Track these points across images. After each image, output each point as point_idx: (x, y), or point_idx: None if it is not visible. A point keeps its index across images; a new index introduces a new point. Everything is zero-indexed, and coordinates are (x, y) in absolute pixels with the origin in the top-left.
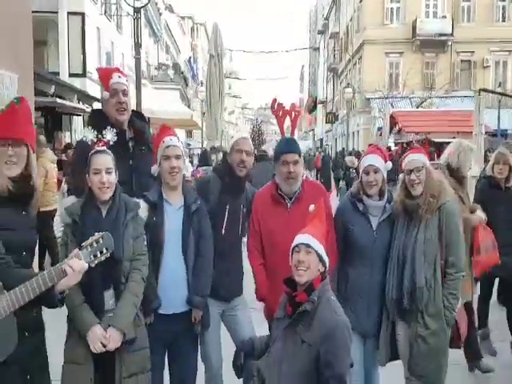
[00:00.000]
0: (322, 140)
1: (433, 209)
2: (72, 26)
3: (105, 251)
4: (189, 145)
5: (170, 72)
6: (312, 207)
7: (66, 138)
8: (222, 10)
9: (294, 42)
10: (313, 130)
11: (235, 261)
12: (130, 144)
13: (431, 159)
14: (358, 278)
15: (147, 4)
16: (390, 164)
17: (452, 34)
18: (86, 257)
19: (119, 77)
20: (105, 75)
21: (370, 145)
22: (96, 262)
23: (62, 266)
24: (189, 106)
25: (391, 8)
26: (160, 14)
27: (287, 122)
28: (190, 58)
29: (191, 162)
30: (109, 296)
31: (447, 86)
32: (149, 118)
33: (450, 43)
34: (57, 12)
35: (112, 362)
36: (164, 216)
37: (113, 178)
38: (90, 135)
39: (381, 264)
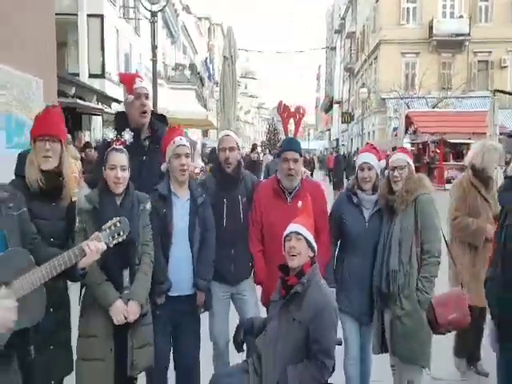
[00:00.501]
0: (337, 140)
1: (406, 201)
2: (91, 27)
3: (122, 233)
4: (205, 144)
5: (187, 72)
6: (300, 204)
7: (85, 136)
8: (238, 11)
9: (312, 42)
10: (329, 129)
11: (240, 248)
12: (146, 142)
13: (445, 160)
14: (351, 267)
15: (164, 8)
16: (383, 162)
17: (469, 34)
18: (104, 238)
19: (141, 82)
20: (128, 80)
21: (367, 143)
22: (114, 242)
23: (81, 246)
24: (205, 106)
25: (407, 8)
26: (177, 15)
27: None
28: (206, 58)
29: (204, 160)
30: (126, 275)
31: (464, 86)
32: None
33: (467, 43)
34: (76, 14)
35: (124, 336)
36: (172, 208)
37: (126, 174)
38: (110, 134)
39: (372, 253)
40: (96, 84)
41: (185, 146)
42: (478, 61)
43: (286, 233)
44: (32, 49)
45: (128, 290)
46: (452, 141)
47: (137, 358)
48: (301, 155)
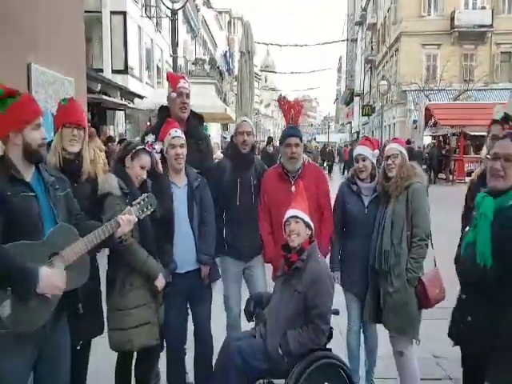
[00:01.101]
0: (358, 133)
1: (400, 187)
2: (114, 24)
3: (149, 207)
4: (225, 138)
5: (207, 67)
6: (293, 188)
7: (109, 130)
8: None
9: (331, 35)
10: (350, 122)
11: (251, 226)
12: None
13: (466, 153)
14: (352, 248)
15: (183, 6)
16: (377, 152)
17: (492, 26)
18: (135, 212)
19: (184, 82)
20: (174, 79)
21: (363, 137)
22: (143, 215)
23: (116, 218)
24: (224, 100)
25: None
26: (198, 10)
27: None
28: (225, 52)
29: (223, 153)
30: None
31: (486, 78)
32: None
33: (489, 35)
34: (100, 11)
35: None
36: (172, 195)
37: (144, 173)
38: (149, 138)
39: (371, 237)
40: (119, 79)
41: (180, 137)
42: (501, 52)
43: (285, 218)
44: (64, 49)
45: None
46: (472, 133)
47: (161, 315)
48: (301, 140)
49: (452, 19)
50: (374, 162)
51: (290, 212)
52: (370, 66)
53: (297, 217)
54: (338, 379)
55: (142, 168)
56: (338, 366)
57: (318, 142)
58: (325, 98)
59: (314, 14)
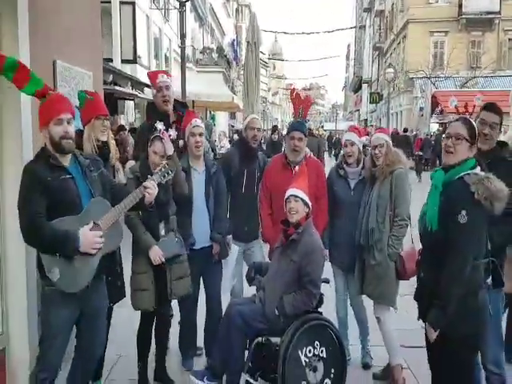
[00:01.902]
0: (366, 120)
1: (385, 173)
2: (123, 14)
3: (170, 172)
4: (232, 126)
5: (214, 55)
6: (297, 168)
7: (120, 120)
8: None
9: (340, 23)
10: (358, 110)
11: (252, 212)
12: (174, 126)
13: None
14: (340, 227)
15: None
16: (364, 138)
17: (499, 12)
18: (157, 179)
19: (162, 76)
20: (153, 77)
21: (350, 126)
22: (165, 179)
23: (143, 185)
24: (232, 88)
25: None
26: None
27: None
28: (233, 40)
29: (231, 141)
30: (162, 227)
31: (493, 65)
32: (193, 101)
33: (497, 21)
34: (110, 1)
35: (164, 272)
36: (192, 178)
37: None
38: (159, 126)
39: (356, 216)
40: (128, 69)
41: (199, 126)
42: (509, 39)
43: (286, 196)
44: (83, 46)
45: (164, 238)
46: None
47: (174, 287)
48: (305, 135)
49: (460, 6)
50: (361, 147)
51: (291, 191)
52: (377, 53)
53: (296, 196)
54: (327, 338)
55: (155, 153)
56: (327, 326)
57: (325, 130)
58: (333, 86)
59: (314, 11)
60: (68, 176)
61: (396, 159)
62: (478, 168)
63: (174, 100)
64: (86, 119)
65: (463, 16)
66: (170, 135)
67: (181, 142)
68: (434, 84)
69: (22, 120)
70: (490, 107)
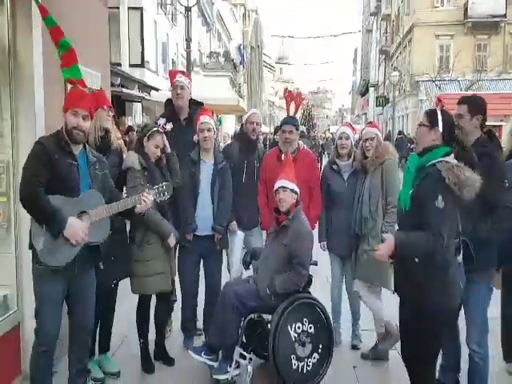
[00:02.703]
0: (371, 123)
1: (375, 164)
2: (131, 20)
3: (166, 194)
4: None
5: (221, 59)
6: (283, 156)
7: (128, 121)
8: None
9: (346, 27)
10: (365, 113)
11: (252, 200)
12: (184, 122)
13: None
14: (337, 218)
15: (197, 3)
16: (356, 134)
17: (505, 16)
18: (154, 194)
19: (180, 77)
20: (172, 75)
21: (345, 122)
22: (159, 199)
23: (140, 195)
24: (239, 92)
25: None
26: (212, 4)
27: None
28: (240, 45)
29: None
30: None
31: (499, 68)
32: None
33: (503, 24)
34: (118, 8)
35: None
36: (200, 169)
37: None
38: (161, 121)
39: (351, 207)
40: (136, 73)
41: (207, 122)
42: None
43: (275, 188)
44: (93, 49)
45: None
46: None
47: (173, 268)
48: (297, 129)
49: (465, 9)
50: (353, 142)
51: (278, 183)
52: (384, 56)
53: (284, 187)
54: (315, 315)
55: (156, 147)
56: (315, 304)
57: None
58: (340, 90)
59: (316, 10)
60: (74, 163)
61: (385, 151)
62: (452, 156)
63: (192, 99)
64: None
65: (469, 19)
66: (165, 129)
67: (195, 137)
68: (439, 87)
69: (36, 106)
70: (459, 100)
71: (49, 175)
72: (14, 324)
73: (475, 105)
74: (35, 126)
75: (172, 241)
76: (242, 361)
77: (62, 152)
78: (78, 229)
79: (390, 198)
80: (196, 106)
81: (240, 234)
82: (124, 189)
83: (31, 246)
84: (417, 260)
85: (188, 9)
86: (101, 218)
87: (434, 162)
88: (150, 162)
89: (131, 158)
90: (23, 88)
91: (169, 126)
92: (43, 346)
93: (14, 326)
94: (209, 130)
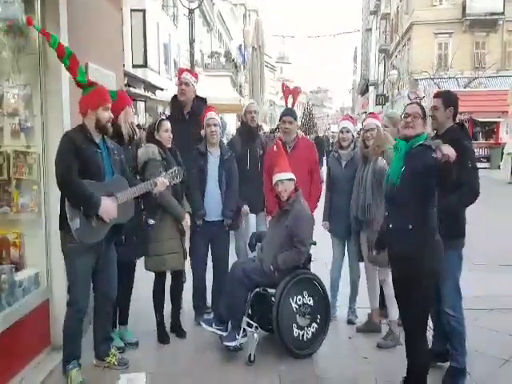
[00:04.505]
0: None
1: (377, 153)
2: (134, 21)
3: (178, 178)
4: None
5: (222, 59)
6: (275, 147)
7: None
8: None
9: (347, 25)
10: (365, 112)
11: (257, 186)
12: (187, 116)
13: (475, 138)
14: (336, 201)
15: (199, 5)
16: (357, 126)
17: (503, 13)
18: (168, 178)
19: (186, 74)
20: (179, 72)
21: (346, 114)
22: (173, 183)
23: (155, 180)
24: (240, 92)
25: None
26: (213, 4)
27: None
28: (240, 45)
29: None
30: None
31: (498, 65)
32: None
33: (501, 22)
34: (121, 9)
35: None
36: (208, 161)
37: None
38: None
39: (348, 191)
40: (139, 73)
41: (214, 118)
42: None
43: (273, 182)
44: (108, 50)
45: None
46: (482, 120)
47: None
48: (295, 119)
49: (464, 7)
50: (354, 134)
51: (276, 177)
52: (383, 55)
53: (281, 180)
54: (314, 289)
55: (166, 131)
56: (314, 279)
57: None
58: (341, 89)
59: (313, 6)
60: (98, 150)
61: (385, 140)
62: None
63: (196, 96)
64: (119, 108)
65: (467, 17)
66: (166, 115)
67: (202, 132)
68: (437, 85)
69: (63, 103)
70: (434, 94)
71: (78, 162)
72: (43, 298)
73: (448, 98)
74: (62, 121)
75: (188, 221)
76: (248, 329)
77: (88, 142)
78: (110, 207)
79: None
80: (199, 101)
81: (252, 217)
82: (137, 177)
83: (63, 227)
84: (410, 227)
85: (191, 11)
86: (126, 200)
87: (420, 143)
88: (166, 153)
89: (151, 149)
90: (51, 88)
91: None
92: (78, 313)
93: (44, 301)
94: (215, 125)
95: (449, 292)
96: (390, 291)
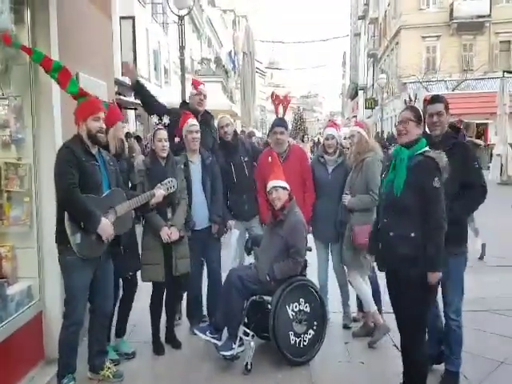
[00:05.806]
0: None
1: (357, 160)
2: (124, 29)
3: (173, 188)
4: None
5: (212, 66)
6: (269, 159)
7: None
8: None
9: (336, 30)
10: (355, 116)
11: (249, 194)
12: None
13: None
14: (320, 205)
15: (189, 13)
16: (342, 132)
17: (490, 16)
18: (164, 189)
19: (204, 86)
20: (197, 83)
21: (329, 120)
22: (168, 192)
23: (153, 191)
24: (231, 98)
25: None
26: (202, 11)
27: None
28: (230, 51)
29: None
30: (169, 211)
31: (485, 67)
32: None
33: (487, 24)
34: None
35: (170, 249)
36: (190, 170)
37: (167, 144)
38: (165, 120)
39: (335, 197)
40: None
41: (195, 125)
42: (500, 41)
43: (267, 189)
44: (99, 59)
45: (171, 220)
46: (470, 121)
47: (178, 264)
48: (286, 129)
49: (451, 11)
50: (339, 140)
51: (270, 184)
52: (372, 59)
53: (275, 186)
54: (310, 295)
55: (160, 140)
56: (310, 286)
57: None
58: (331, 93)
59: (303, 10)
60: (96, 163)
61: (367, 148)
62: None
63: (205, 110)
64: (110, 122)
65: (454, 20)
66: (165, 123)
67: (176, 139)
68: (425, 88)
69: (54, 113)
70: (432, 100)
71: (78, 175)
72: (37, 312)
73: (447, 103)
74: (54, 132)
75: (163, 234)
76: (245, 337)
77: (86, 154)
78: (108, 227)
79: (370, 192)
80: (209, 114)
81: (235, 232)
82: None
83: (62, 241)
84: (413, 235)
85: (181, 18)
86: (125, 212)
87: (421, 151)
88: (155, 162)
89: (137, 159)
90: (42, 99)
91: (166, 120)
92: (74, 325)
93: (37, 314)
94: (197, 131)
95: (455, 296)
96: (358, 286)
